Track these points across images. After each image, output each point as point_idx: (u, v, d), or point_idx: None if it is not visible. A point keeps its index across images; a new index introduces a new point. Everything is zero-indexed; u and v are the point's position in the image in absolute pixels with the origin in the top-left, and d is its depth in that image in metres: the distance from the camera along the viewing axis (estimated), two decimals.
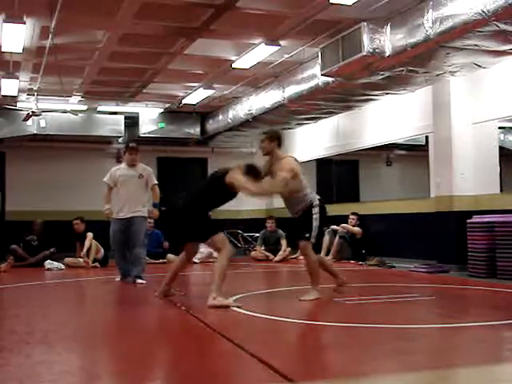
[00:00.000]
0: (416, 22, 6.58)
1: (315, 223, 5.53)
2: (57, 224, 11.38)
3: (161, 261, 10.75)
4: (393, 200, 10.27)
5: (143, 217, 7.38)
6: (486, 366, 3.19)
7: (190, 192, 5.77)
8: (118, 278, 7.48)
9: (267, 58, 8.78)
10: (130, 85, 10.78)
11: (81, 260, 9.84)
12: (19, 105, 11.58)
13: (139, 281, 7.20)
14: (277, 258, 10.77)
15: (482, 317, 4.85)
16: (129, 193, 7.33)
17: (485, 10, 5.71)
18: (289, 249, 11.00)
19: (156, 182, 7.56)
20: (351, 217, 10.40)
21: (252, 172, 5.44)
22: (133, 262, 7.35)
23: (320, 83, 8.62)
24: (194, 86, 10.83)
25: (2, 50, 8.13)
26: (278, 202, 14.15)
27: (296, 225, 5.74)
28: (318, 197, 5.79)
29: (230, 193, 5.48)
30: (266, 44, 8.12)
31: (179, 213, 5.59)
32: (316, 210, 5.58)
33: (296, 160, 5.76)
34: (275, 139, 5.75)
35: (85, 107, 12.13)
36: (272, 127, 11.76)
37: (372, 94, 8.90)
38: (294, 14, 7.27)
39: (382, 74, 7.67)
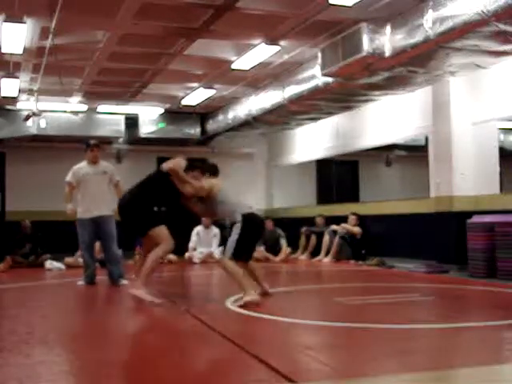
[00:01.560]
0: (416, 22, 6.58)
1: (232, 238, 5.49)
2: (57, 224, 11.37)
3: (160, 261, 10.73)
4: (393, 200, 10.27)
5: (111, 215, 7.26)
6: (486, 366, 3.20)
7: (135, 186, 5.93)
8: (80, 282, 7.28)
9: (267, 59, 8.78)
10: (130, 85, 10.78)
11: (81, 260, 9.82)
12: (19, 105, 11.58)
13: (123, 281, 7.13)
14: (277, 259, 10.76)
15: (481, 317, 4.86)
16: (94, 191, 7.26)
17: (485, 10, 5.71)
18: (289, 249, 11.02)
19: (119, 179, 7.51)
20: (351, 217, 10.40)
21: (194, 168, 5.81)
22: (111, 263, 7.24)
23: (320, 83, 8.62)
24: (194, 87, 10.83)
25: (2, 50, 8.13)
26: (277, 203, 14.19)
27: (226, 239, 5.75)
28: (249, 210, 5.67)
29: (173, 189, 5.66)
30: (266, 44, 8.12)
31: (123, 207, 5.79)
32: (238, 226, 5.51)
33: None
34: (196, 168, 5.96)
35: (85, 107, 12.12)
36: (271, 127, 11.82)
37: (372, 94, 8.90)
38: (293, 15, 7.27)
39: (382, 75, 7.67)
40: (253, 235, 5.74)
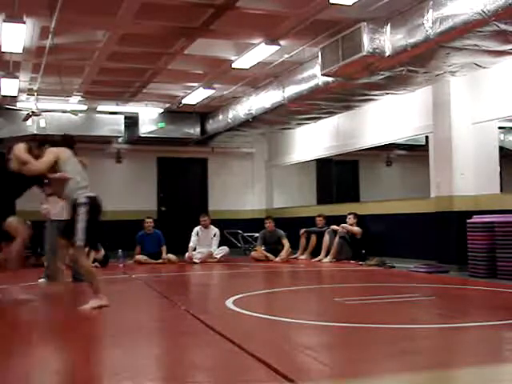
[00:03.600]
0: (416, 21, 6.58)
1: (80, 225, 5.18)
2: None
3: (160, 261, 10.73)
4: (393, 200, 10.27)
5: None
6: (486, 366, 3.19)
7: None
8: (42, 280, 7.38)
9: (267, 58, 8.78)
10: (130, 85, 10.77)
11: None
12: (19, 105, 11.58)
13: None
14: (278, 259, 10.76)
15: (482, 317, 4.86)
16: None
17: (485, 10, 5.71)
18: (291, 249, 11.02)
19: None
20: (349, 216, 10.41)
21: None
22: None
23: (320, 83, 8.62)
24: (194, 86, 10.82)
25: (2, 50, 8.13)
26: (277, 203, 14.17)
27: (66, 225, 5.45)
28: (93, 194, 5.37)
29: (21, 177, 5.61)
30: (266, 44, 8.11)
31: None
32: (82, 210, 5.20)
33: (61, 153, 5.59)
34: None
35: (85, 107, 12.12)
36: (271, 127, 11.83)
37: (372, 94, 8.90)
38: (293, 14, 7.27)
39: (382, 74, 7.67)
40: (97, 220, 5.43)
